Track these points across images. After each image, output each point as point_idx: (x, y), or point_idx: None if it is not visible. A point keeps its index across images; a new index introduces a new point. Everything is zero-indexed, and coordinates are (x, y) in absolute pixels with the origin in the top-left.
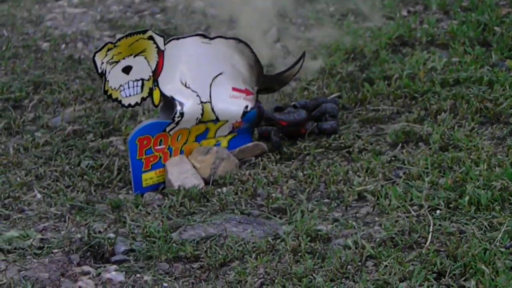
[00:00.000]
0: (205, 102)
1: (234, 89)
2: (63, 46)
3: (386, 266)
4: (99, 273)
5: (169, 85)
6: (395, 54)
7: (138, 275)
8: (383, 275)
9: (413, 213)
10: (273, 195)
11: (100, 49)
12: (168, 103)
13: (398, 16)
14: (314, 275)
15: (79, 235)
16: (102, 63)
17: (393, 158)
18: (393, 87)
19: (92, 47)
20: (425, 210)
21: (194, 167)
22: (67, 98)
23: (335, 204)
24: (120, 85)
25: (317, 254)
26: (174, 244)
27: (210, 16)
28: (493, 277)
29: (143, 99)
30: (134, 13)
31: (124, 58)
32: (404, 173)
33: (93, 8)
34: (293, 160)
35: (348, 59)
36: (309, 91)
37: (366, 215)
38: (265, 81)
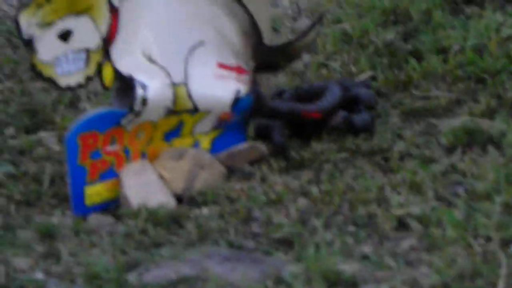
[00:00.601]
0: (179, 84)
1: (220, 65)
2: None
3: None
4: None
5: (127, 59)
6: (455, 15)
7: None
8: None
9: (477, 248)
10: (275, 219)
11: (27, 6)
12: (125, 84)
13: None
14: None
15: None
16: (30, 25)
17: (449, 169)
18: (451, 65)
19: (14, 0)
20: (495, 245)
21: (162, 177)
22: None
23: (365, 234)
24: (56, 58)
25: None
26: None
27: None
28: None
29: (88, 78)
30: None
31: (61, 19)
32: (465, 191)
33: None
34: (304, 169)
35: (386, 22)
36: (328, 69)
37: (409, 250)
38: (266, 54)
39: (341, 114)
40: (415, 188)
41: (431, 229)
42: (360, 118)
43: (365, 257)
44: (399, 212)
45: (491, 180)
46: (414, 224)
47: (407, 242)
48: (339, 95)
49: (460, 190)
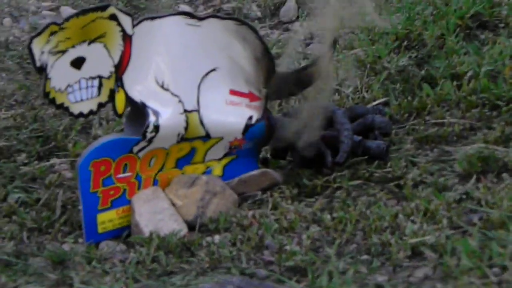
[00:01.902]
0: (191, 111)
1: (232, 92)
2: None
3: None
4: None
5: (139, 86)
6: (469, 41)
7: None
8: None
9: (492, 278)
10: (288, 247)
11: (40, 33)
12: (137, 111)
13: None
14: None
15: None
16: (42, 52)
17: (464, 197)
18: (465, 91)
19: (26, 25)
20: (510, 274)
21: (174, 204)
22: None
23: (378, 263)
24: (68, 85)
25: None
26: None
27: None
28: None
29: (100, 105)
30: None
31: (74, 46)
32: (480, 219)
33: None
34: (317, 197)
35: (399, 48)
36: (341, 95)
37: (424, 279)
38: (278, 81)
39: (356, 139)
40: (429, 216)
41: (446, 258)
42: (373, 144)
43: (378, 287)
44: (413, 240)
45: (506, 208)
46: (428, 253)
47: (421, 271)
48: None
49: (475, 219)
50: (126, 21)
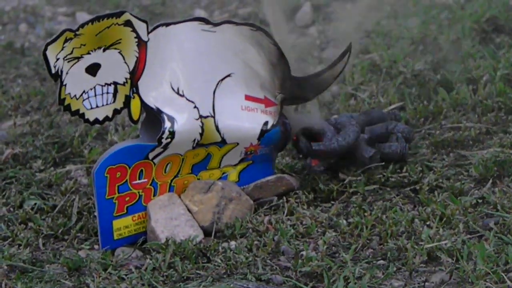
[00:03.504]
0: (206, 117)
1: (248, 97)
2: None
3: None
4: None
5: (154, 92)
6: (484, 45)
7: None
8: None
9: (509, 283)
10: (304, 253)
11: (55, 40)
12: (153, 118)
13: None
14: None
15: None
16: (57, 59)
17: (480, 201)
18: (481, 95)
19: (41, 30)
20: None
21: (190, 210)
22: (5, 107)
23: (395, 268)
24: (83, 92)
25: None
26: None
27: None
28: None
29: (116, 111)
30: None
31: (89, 53)
32: (496, 224)
33: None
34: (333, 202)
35: (415, 52)
36: (357, 100)
37: (440, 284)
38: (293, 86)
39: (371, 151)
40: (446, 221)
41: (462, 263)
42: (390, 148)
43: None
44: (429, 245)
45: None
46: (444, 258)
47: (437, 276)
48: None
49: (491, 223)
50: (141, 27)
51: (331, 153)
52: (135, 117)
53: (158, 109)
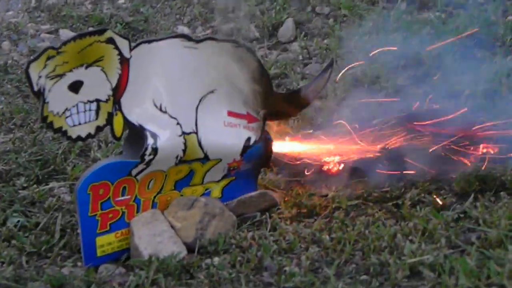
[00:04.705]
0: (189, 133)
1: (230, 113)
2: None
3: None
4: None
5: (137, 109)
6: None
7: None
8: None
9: None
10: (287, 268)
11: (37, 58)
12: (135, 134)
13: None
14: None
15: None
16: (40, 77)
17: (461, 215)
18: None
19: (25, 48)
20: None
21: (173, 227)
22: None
23: (377, 283)
24: (66, 109)
25: None
26: None
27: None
28: None
29: (98, 128)
30: None
31: (71, 70)
32: (477, 238)
33: None
34: (315, 217)
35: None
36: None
37: None
38: (275, 101)
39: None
40: (428, 235)
41: (444, 278)
42: None
43: None
44: (411, 260)
45: (504, 227)
46: (427, 273)
47: None
48: None
49: (473, 238)
50: (123, 44)
51: None
52: (118, 134)
53: (140, 125)
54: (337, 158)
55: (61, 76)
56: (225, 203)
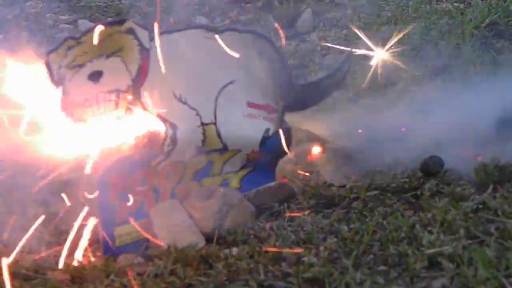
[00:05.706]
0: (208, 124)
1: (250, 104)
2: None
3: None
4: None
5: (157, 99)
6: (485, 50)
7: None
8: None
9: None
10: (305, 259)
11: (57, 48)
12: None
13: None
14: None
15: None
16: (60, 67)
17: (480, 206)
18: None
19: (44, 38)
20: None
21: (192, 217)
22: None
23: (396, 274)
24: (86, 99)
25: None
26: None
27: None
28: None
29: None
30: None
31: (91, 61)
32: (497, 229)
33: None
34: (334, 208)
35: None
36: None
37: None
38: (295, 93)
39: None
40: (446, 226)
41: (463, 268)
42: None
43: None
44: (430, 251)
45: None
46: (445, 263)
47: (438, 282)
48: None
49: (492, 228)
50: (143, 35)
51: None
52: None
53: (161, 116)
54: None
55: (81, 66)
56: (243, 194)
